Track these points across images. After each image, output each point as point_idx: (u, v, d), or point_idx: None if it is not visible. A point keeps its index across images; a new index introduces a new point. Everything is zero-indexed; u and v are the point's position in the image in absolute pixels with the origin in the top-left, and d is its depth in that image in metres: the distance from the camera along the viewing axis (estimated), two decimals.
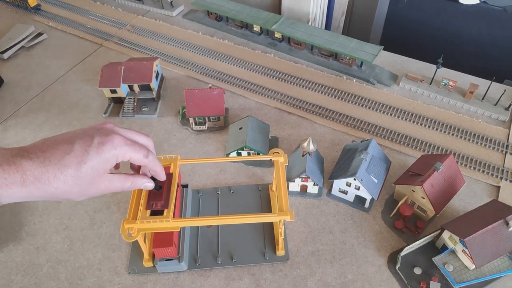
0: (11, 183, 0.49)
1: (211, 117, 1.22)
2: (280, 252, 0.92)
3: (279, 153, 0.87)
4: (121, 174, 0.62)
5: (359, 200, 1.03)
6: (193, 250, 0.94)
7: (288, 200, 0.79)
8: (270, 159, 0.88)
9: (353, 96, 1.34)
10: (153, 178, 0.71)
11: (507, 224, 0.80)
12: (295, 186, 1.04)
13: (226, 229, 0.98)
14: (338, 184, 1.00)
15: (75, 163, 0.53)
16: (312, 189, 1.04)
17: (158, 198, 0.73)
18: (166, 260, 0.89)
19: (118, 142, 0.58)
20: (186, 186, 1.05)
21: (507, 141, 1.17)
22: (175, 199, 0.76)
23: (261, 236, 0.96)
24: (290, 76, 1.43)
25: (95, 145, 0.55)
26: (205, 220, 0.81)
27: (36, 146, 0.53)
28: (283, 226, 0.90)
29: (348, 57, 1.43)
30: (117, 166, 0.63)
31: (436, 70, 1.30)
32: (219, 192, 1.06)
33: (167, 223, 0.73)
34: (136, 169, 0.70)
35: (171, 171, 0.80)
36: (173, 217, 0.74)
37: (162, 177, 0.70)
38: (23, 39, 1.64)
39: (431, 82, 1.35)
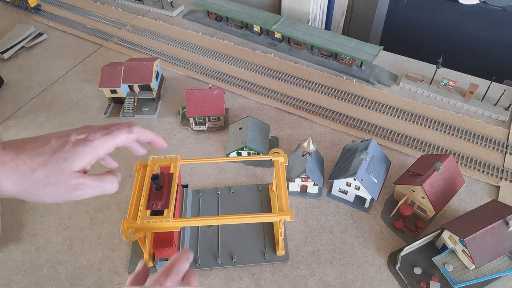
0: None
1: (211, 117, 1.22)
2: (280, 252, 0.92)
3: (279, 153, 0.87)
4: (93, 178, 0.56)
5: (359, 200, 1.03)
6: (193, 250, 0.94)
7: (288, 200, 0.79)
8: (270, 159, 0.88)
9: (353, 96, 1.34)
10: (153, 178, 0.71)
11: (507, 224, 0.81)
12: (295, 186, 1.04)
13: (226, 229, 0.98)
14: (338, 184, 1.00)
15: (48, 153, 0.51)
16: (312, 189, 1.04)
17: (158, 198, 0.73)
18: (166, 260, 0.89)
19: (98, 136, 0.55)
20: (186, 186, 1.05)
21: (507, 141, 1.17)
22: (175, 199, 0.76)
23: (261, 236, 0.96)
24: (290, 76, 1.43)
25: (73, 139, 0.54)
26: (205, 220, 0.81)
27: (15, 140, 0.53)
28: (283, 226, 0.90)
29: (348, 57, 1.43)
30: (85, 171, 0.58)
31: (436, 70, 1.30)
32: (219, 192, 1.06)
33: (167, 223, 0.73)
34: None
35: (171, 171, 0.80)
36: (173, 217, 0.74)
37: (160, 143, 0.66)
38: (23, 39, 1.64)
39: (431, 82, 1.35)
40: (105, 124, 0.59)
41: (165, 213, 0.73)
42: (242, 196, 1.06)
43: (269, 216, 0.83)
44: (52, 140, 0.53)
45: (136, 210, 0.75)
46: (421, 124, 1.24)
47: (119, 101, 1.35)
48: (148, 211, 0.74)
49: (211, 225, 0.98)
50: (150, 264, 0.91)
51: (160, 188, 0.74)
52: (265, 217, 0.85)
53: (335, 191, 1.04)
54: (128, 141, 0.60)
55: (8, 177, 0.49)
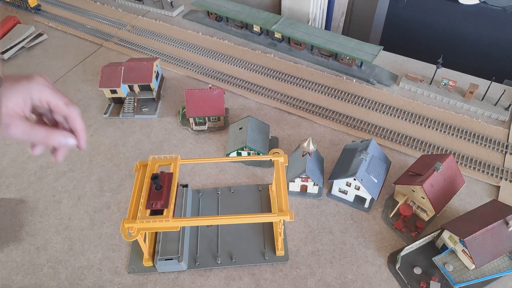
0: None
1: (211, 117, 1.22)
2: (280, 252, 0.92)
3: (279, 153, 0.87)
4: (38, 124, 0.56)
5: (359, 200, 1.03)
6: (192, 250, 0.94)
7: (288, 200, 0.79)
8: (270, 159, 0.88)
9: (353, 96, 1.34)
10: (153, 178, 0.71)
11: (507, 224, 0.81)
12: (295, 186, 1.04)
13: (226, 229, 0.98)
14: (338, 184, 1.00)
15: None
16: (312, 189, 1.04)
17: (158, 197, 0.73)
18: (166, 259, 0.89)
19: (38, 80, 0.55)
20: (186, 186, 1.05)
21: (507, 141, 1.17)
22: (175, 199, 0.76)
23: (261, 236, 0.96)
24: (290, 76, 1.43)
25: (15, 78, 0.53)
26: (205, 220, 0.81)
27: None
28: (283, 226, 0.90)
29: (348, 57, 1.43)
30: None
31: (436, 70, 1.30)
32: (219, 192, 1.06)
33: (166, 222, 0.73)
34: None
35: (171, 171, 0.80)
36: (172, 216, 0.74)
37: (82, 137, 0.60)
38: (24, 40, 1.64)
39: (431, 82, 1.35)
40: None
41: (164, 213, 0.73)
42: (242, 196, 1.06)
43: (269, 216, 0.84)
44: (9, 77, 0.52)
45: (136, 209, 0.75)
46: (421, 124, 1.24)
47: (119, 101, 1.35)
48: (148, 211, 0.74)
49: (211, 225, 0.98)
50: (150, 264, 0.91)
51: (159, 188, 0.74)
52: (265, 217, 0.85)
53: (335, 191, 1.04)
54: (57, 109, 0.57)
55: None
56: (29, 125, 0.54)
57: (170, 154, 0.85)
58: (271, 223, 0.98)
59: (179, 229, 0.82)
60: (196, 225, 0.98)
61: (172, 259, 0.89)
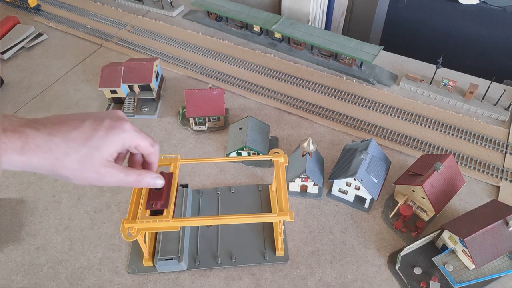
0: (10, 148, 0.48)
1: (211, 117, 1.22)
2: (280, 252, 0.92)
3: (279, 153, 0.87)
4: (127, 167, 0.61)
5: (359, 200, 1.03)
6: (192, 250, 0.94)
7: (288, 200, 0.79)
8: (270, 159, 0.88)
9: (353, 96, 1.34)
10: None
11: (507, 224, 0.81)
12: (295, 186, 1.04)
13: (226, 229, 0.98)
14: (338, 184, 1.00)
15: (81, 138, 0.53)
16: (312, 189, 1.04)
17: (158, 197, 0.73)
18: (165, 259, 0.89)
19: (128, 127, 0.58)
20: (186, 186, 1.05)
21: (507, 141, 1.17)
22: (175, 199, 0.76)
23: (261, 237, 0.96)
24: (290, 76, 1.43)
25: (105, 126, 0.55)
26: (205, 220, 0.81)
27: (47, 119, 0.53)
28: (283, 227, 0.90)
29: (348, 57, 1.43)
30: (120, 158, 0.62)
31: (436, 70, 1.30)
32: (219, 192, 1.06)
33: (166, 222, 0.73)
34: (134, 165, 0.68)
35: (171, 171, 0.80)
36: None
37: (155, 168, 0.68)
38: (23, 40, 1.64)
39: (431, 82, 1.35)
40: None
41: (164, 213, 0.73)
42: (242, 196, 1.06)
43: (269, 217, 0.83)
44: (85, 123, 0.54)
45: (136, 209, 0.74)
46: (421, 124, 1.24)
47: (119, 101, 1.35)
48: (148, 211, 0.74)
49: (211, 225, 0.98)
50: (150, 264, 0.91)
51: (159, 188, 0.74)
52: (265, 217, 0.85)
53: (335, 191, 1.04)
54: (144, 150, 0.63)
55: (41, 159, 0.50)
56: (122, 173, 0.58)
57: (170, 154, 0.85)
58: (271, 223, 0.98)
59: (179, 229, 0.82)
60: (196, 225, 0.98)
61: (172, 259, 0.89)
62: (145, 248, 0.88)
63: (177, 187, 0.78)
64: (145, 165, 0.67)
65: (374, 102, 1.31)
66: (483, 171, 1.10)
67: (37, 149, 0.50)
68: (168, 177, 0.75)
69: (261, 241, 0.96)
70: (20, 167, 0.50)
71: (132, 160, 0.67)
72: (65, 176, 0.53)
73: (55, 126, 0.52)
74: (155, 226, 0.74)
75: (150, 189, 0.74)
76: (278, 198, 0.79)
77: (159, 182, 0.65)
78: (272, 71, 1.46)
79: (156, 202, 0.72)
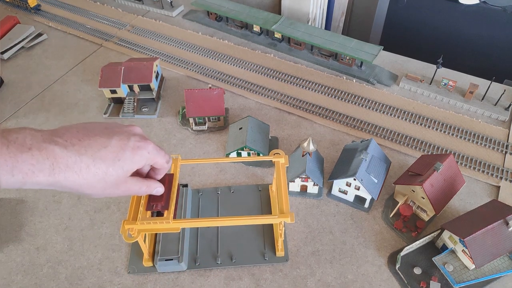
0: (39, 170, 0.46)
1: (211, 117, 1.22)
2: (280, 253, 0.92)
3: (279, 154, 0.87)
4: (138, 178, 0.62)
5: (359, 200, 1.03)
6: (192, 250, 0.94)
7: (289, 201, 0.79)
8: (271, 160, 0.88)
9: (353, 96, 1.34)
10: None
11: (507, 224, 0.81)
12: (295, 186, 1.04)
13: (226, 229, 0.98)
14: (338, 184, 1.00)
15: (110, 158, 0.53)
16: (312, 189, 1.04)
17: (158, 199, 0.72)
18: (165, 260, 0.89)
19: (151, 148, 0.59)
20: (186, 186, 1.05)
21: (507, 141, 1.17)
22: (175, 200, 0.75)
23: (261, 237, 0.96)
24: (290, 76, 1.43)
25: (132, 146, 0.56)
26: (206, 222, 0.81)
27: (70, 132, 0.51)
28: (283, 228, 0.90)
29: (348, 57, 1.43)
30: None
31: (436, 70, 1.30)
32: (219, 192, 1.06)
33: (167, 224, 0.73)
34: (141, 174, 0.69)
35: (172, 172, 0.80)
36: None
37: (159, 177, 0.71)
38: (23, 40, 1.64)
39: (431, 82, 1.35)
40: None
41: (165, 214, 0.73)
42: (242, 196, 1.06)
43: (269, 218, 0.83)
44: (113, 141, 0.54)
45: (136, 211, 0.74)
46: (421, 124, 1.24)
47: (119, 101, 1.35)
48: (149, 212, 0.74)
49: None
50: (150, 264, 0.91)
51: None
52: (265, 219, 0.84)
53: (335, 191, 1.04)
54: (160, 167, 0.65)
55: (70, 181, 0.49)
56: (136, 186, 0.61)
57: (170, 154, 0.85)
58: (271, 224, 0.98)
59: (179, 231, 0.82)
60: (197, 226, 0.98)
61: (172, 259, 0.89)
62: (145, 248, 0.88)
63: (178, 188, 0.78)
64: (151, 173, 0.68)
65: (374, 102, 1.31)
66: (483, 171, 1.10)
67: (67, 170, 0.48)
68: (168, 178, 0.75)
69: (261, 241, 0.96)
70: (46, 186, 0.48)
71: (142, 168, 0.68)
72: (88, 194, 0.54)
73: (82, 143, 0.51)
74: (156, 227, 0.74)
75: None
76: (279, 199, 0.79)
77: (161, 190, 0.68)
78: (272, 71, 1.46)
79: (157, 203, 0.72)
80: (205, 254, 0.94)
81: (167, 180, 0.75)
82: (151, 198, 0.73)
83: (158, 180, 0.71)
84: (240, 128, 1.14)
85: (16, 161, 0.44)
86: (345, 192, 1.02)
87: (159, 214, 0.74)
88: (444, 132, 1.21)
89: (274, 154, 0.87)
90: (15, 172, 0.44)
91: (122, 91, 1.31)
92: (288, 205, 0.78)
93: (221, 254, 0.93)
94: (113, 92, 1.31)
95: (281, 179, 0.82)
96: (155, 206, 0.72)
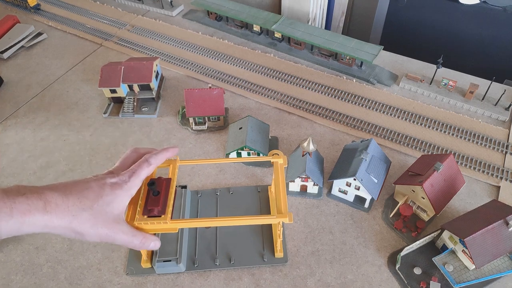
0: (34, 209, 0.51)
1: (211, 117, 1.22)
2: (279, 254, 0.92)
3: (278, 154, 0.87)
4: (134, 230, 0.65)
5: (359, 200, 1.02)
6: (191, 251, 0.94)
7: (288, 201, 0.79)
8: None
9: (353, 96, 1.34)
10: (150, 184, 0.71)
11: (507, 224, 0.80)
12: (295, 186, 1.04)
13: (225, 230, 0.97)
14: (338, 184, 1.00)
15: (93, 196, 0.58)
16: (312, 189, 1.04)
17: (155, 203, 0.72)
18: (164, 261, 0.88)
19: (128, 175, 0.64)
20: (185, 187, 1.05)
21: (507, 141, 1.17)
22: (173, 203, 0.75)
23: (260, 238, 0.96)
24: (290, 76, 1.43)
25: (109, 183, 0.61)
26: (203, 222, 0.81)
27: (54, 184, 0.58)
28: (282, 228, 0.90)
29: (348, 57, 1.42)
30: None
31: (436, 70, 1.30)
32: (218, 193, 1.06)
33: (165, 224, 0.72)
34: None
35: (169, 173, 0.79)
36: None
37: (174, 152, 0.75)
38: (23, 39, 1.64)
39: (431, 82, 1.35)
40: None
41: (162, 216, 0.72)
42: (241, 197, 1.05)
43: (268, 218, 0.83)
44: (91, 184, 0.59)
45: (133, 211, 0.74)
46: (421, 124, 1.24)
47: (118, 101, 1.35)
48: (145, 216, 0.73)
49: (210, 227, 0.98)
50: (148, 266, 0.91)
51: (157, 194, 0.74)
52: (264, 219, 0.84)
53: (335, 191, 1.04)
54: (150, 173, 0.68)
55: (61, 218, 0.54)
56: (130, 233, 0.64)
57: None
58: (270, 224, 0.98)
59: (177, 231, 0.81)
60: (195, 227, 0.98)
61: (170, 260, 0.88)
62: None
63: (175, 191, 0.77)
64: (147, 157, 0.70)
65: (374, 102, 1.31)
66: (483, 171, 1.10)
67: (57, 208, 0.54)
68: (166, 182, 0.75)
69: (260, 242, 0.95)
70: (41, 227, 0.53)
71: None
72: (80, 232, 0.57)
73: (67, 187, 0.57)
74: (153, 228, 0.74)
75: (148, 194, 0.73)
76: (277, 199, 0.79)
77: (158, 245, 0.70)
78: (272, 71, 1.46)
79: (153, 208, 0.72)
80: (204, 255, 0.93)
81: (164, 185, 0.74)
82: (148, 203, 0.72)
83: (157, 183, 0.72)
84: (240, 128, 1.14)
85: (14, 203, 0.50)
86: (345, 192, 1.02)
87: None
88: (444, 132, 1.21)
89: (272, 155, 0.87)
90: (14, 212, 0.50)
91: (122, 90, 1.31)
92: (287, 205, 0.77)
93: (219, 256, 0.93)
94: (113, 91, 1.31)
95: (280, 180, 0.82)
96: (152, 211, 0.72)
